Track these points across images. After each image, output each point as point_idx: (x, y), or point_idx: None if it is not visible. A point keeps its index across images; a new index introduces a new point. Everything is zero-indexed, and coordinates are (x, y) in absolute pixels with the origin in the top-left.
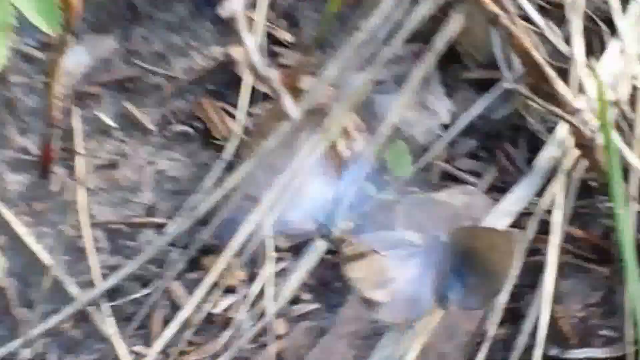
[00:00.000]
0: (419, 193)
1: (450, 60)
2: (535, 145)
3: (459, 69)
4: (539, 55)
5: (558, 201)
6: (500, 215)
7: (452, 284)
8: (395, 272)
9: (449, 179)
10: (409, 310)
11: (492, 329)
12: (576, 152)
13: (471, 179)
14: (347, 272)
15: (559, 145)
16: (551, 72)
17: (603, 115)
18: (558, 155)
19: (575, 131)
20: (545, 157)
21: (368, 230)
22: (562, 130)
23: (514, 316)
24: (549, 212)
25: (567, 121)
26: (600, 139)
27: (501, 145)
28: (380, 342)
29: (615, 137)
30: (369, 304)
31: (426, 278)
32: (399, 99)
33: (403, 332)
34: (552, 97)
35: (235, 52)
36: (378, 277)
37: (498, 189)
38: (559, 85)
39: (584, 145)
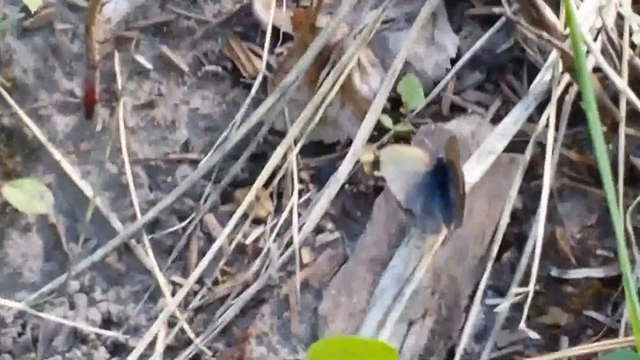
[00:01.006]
0: (431, 123)
1: None
2: (535, 75)
3: (465, 6)
4: None
5: (551, 122)
6: (498, 138)
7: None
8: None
9: (458, 109)
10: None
11: (495, 249)
12: (567, 77)
13: (478, 109)
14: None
15: (552, 70)
16: (540, 1)
17: (573, 30)
18: (551, 79)
19: (564, 56)
20: (540, 82)
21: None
22: (554, 57)
23: (519, 241)
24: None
25: (556, 46)
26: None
27: (504, 77)
28: (390, 262)
29: (603, 62)
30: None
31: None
32: (409, 35)
33: (412, 252)
34: (545, 25)
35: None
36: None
37: (502, 118)
38: (548, 13)
39: (572, 69)
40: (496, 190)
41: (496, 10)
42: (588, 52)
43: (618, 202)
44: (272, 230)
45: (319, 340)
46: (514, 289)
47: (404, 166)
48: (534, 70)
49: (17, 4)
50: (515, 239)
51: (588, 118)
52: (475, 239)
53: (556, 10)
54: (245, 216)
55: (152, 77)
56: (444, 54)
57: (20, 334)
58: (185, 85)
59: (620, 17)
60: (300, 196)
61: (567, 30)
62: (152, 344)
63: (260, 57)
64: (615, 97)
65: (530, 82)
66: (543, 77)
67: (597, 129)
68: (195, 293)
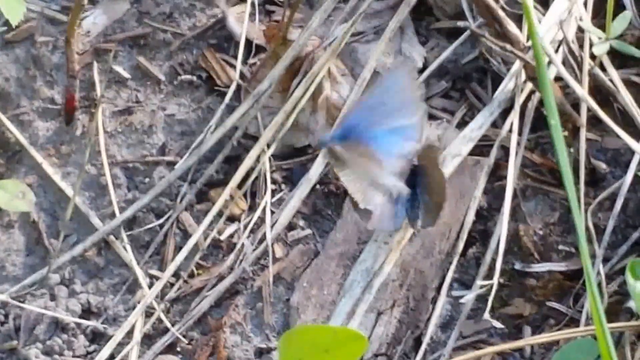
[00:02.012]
0: None
1: (423, 12)
2: (499, 84)
3: (431, 20)
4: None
5: (515, 127)
6: (464, 141)
7: (419, 204)
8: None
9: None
10: (391, 223)
11: (460, 245)
12: (530, 85)
13: (444, 115)
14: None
15: (515, 79)
16: (502, 14)
17: (535, 42)
18: (514, 87)
19: (526, 66)
20: (504, 90)
21: None
22: (517, 67)
23: (484, 237)
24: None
25: (518, 57)
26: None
27: (469, 86)
28: (360, 257)
29: (564, 72)
30: (361, 213)
31: (401, 197)
32: (378, 47)
33: (380, 247)
34: (508, 38)
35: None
36: (367, 190)
37: (468, 124)
38: (511, 26)
39: (534, 78)
40: (462, 190)
41: (461, 24)
42: (550, 62)
43: (580, 201)
44: (245, 227)
45: (291, 329)
46: (479, 282)
47: (360, 167)
48: (497, 79)
49: (0, 17)
50: (480, 235)
51: (550, 123)
52: (442, 236)
53: (518, 24)
54: (220, 214)
55: (129, 86)
56: (411, 65)
57: (2, 323)
58: (161, 93)
59: (580, 30)
60: (273, 196)
61: (529, 42)
62: (129, 333)
63: (234, 67)
64: (575, 104)
65: (494, 90)
66: (507, 86)
67: (558, 133)
68: (172, 285)
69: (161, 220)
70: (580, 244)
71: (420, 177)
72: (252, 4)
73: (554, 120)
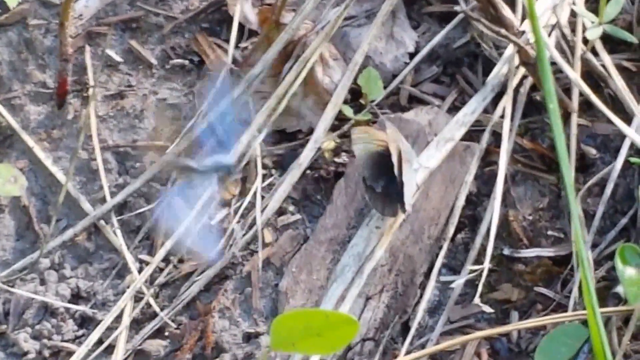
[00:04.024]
0: (390, 113)
1: None
2: (490, 69)
3: (423, 4)
4: None
5: (507, 112)
6: (456, 126)
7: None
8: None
9: (416, 101)
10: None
11: (450, 230)
12: (522, 70)
13: (435, 100)
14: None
15: (508, 64)
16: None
17: (535, 24)
18: (507, 72)
19: (520, 50)
20: (496, 75)
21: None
22: (510, 51)
23: (473, 222)
24: (501, 126)
25: (513, 41)
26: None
27: (460, 71)
28: (352, 241)
29: (557, 56)
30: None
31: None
32: (370, 31)
33: (372, 232)
34: (502, 23)
35: None
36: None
37: (458, 109)
38: (505, 10)
39: (528, 63)
40: (452, 175)
41: (457, 8)
42: None
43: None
44: (236, 212)
45: (283, 313)
46: (469, 266)
47: (371, 146)
48: (488, 65)
49: None
50: (470, 221)
51: (548, 106)
52: (431, 221)
53: (512, 8)
54: (210, 199)
55: (121, 70)
56: (403, 49)
57: None
58: (153, 77)
59: (573, 15)
60: (263, 181)
61: (523, 27)
62: (118, 317)
63: (226, 51)
64: (566, 90)
65: (485, 75)
66: (499, 71)
67: (556, 116)
68: (161, 270)
69: (152, 205)
70: (574, 228)
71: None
72: None
73: (553, 104)
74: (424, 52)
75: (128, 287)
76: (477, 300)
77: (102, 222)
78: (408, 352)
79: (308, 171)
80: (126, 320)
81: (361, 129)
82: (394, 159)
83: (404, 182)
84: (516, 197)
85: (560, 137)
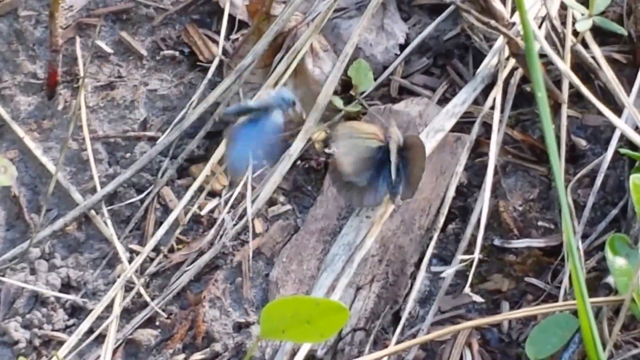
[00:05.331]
0: (380, 105)
1: None
2: (480, 61)
3: None
4: None
5: (497, 104)
6: (447, 117)
7: (400, 179)
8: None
9: (406, 92)
10: (373, 197)
11: (440, 221)
12: (513, 62)
13: (425, 92)
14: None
15: (498, 55)
16: None
17: (523, 16)
18: (497, 64)
19: (510, 42)
20: (487, 66)
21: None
22: (500, 43)
23: (464, 213)
24: (492, 117)
25: (503, 33)
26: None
27: (451, 62)
28: (342, 231)
29: (547, 48)
30: (347, 186)
31: (382, 172)
32: (360, 23)
33: (362, 221)
34: (492, 14)
35: None
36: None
37: (448, 100)
38: (495, 2)
39: (518, 54)
40: (443, 166)
41: (447, 0)
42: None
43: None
44: (226, 202)
45: (273, 300)
46: (459, 257)
47: (356, 141)
48: (479, 56)
49: None
50: (460, 211)
51: (536, 96)
52: (421, 211)
53: (502, 0)
54: (200, 189)
55: (112, 61)
56: (393, 41)
57: None
58: (143, 68)
59: (563, 7)
60: (253, 171)
61: (513, 18)
62: (109, 307)
63: (216, 43)
64: (556, 81)
65: (475, 67)
66: (490, 62)
67: (545, 106)
68: (152, 260)
69: (142, 195)
70: (564, 219)
71: (403, 151)
72: None
73: (541, 93)
74: (414, 43)
75: (118, 276)
76: (467, 290)
77: (92, 212)
78: (399, 342)
79: (298, 162)
80: (117, 310)
81: (345, 125)
82: (393, 147)
83: (409, 168)
84: (507, 188)
85: (549, 127)
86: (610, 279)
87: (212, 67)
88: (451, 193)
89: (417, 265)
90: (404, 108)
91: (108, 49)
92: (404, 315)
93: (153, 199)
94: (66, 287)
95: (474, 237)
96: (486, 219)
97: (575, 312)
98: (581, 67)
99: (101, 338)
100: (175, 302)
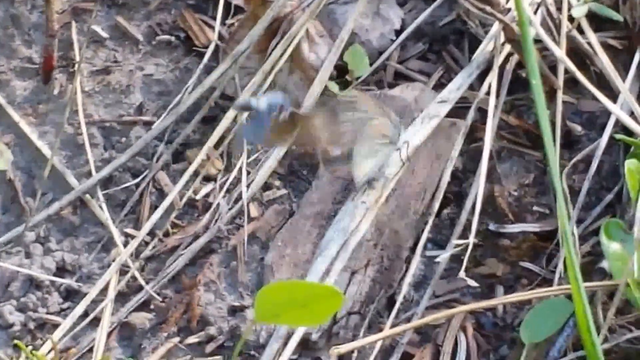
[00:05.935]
0: (375, 90)
1: None
2: (476, 47)
3: None
4: None
5: (492, 89)
6: (442, 103)
7: None
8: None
9: (401, 78)
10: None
11: (435, 205)
12: (508, 48)
13: (421, 77)
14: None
15: (493, 41)
16: None
17: (518, 2)
18: (492, 49)
19: (505, 28)
20: (482, 52)
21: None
22: (496, 29)
23: (459, 198)
24: (487, 103)
25: (498, 19)
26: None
27: (446, 48)
28: (337, 216)
29: (543, 34)
30: (329, 159)
31: None
32: (356, 9)
33: (357, 206)
34: (488, 0)
35: None
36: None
37: (444, 86)
38: None
39: (513, 40)
40: (438, 151)
41: None
42: (529, 24)
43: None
44: (221, 187)
45: (268, 284)
46: (454, 241)
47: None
48: (474, 42)
49: None
50: (455, 196)
51: (531, 82)
52: (417, 196)
53: None
54: (196, 174)
55: (107, 46)
56: (389, 26)
57: None
58: (139, 53)
59: None
60: (249, 156)
61: (509, 4)
62: (104, 290)
63: (212, 28)
64: (552, 67)
65: (471, 52)
66: (485, 48)
67: (539, 92)
68: (147, 244)
69: (137, 180)
70: (559, 204)
71: None
72: None
73: (536, 80)
74: (410, 29)
75: (113, 260)
76: (462, 274)
77: (87, 196)
78: (393, 326)
79: (294, 146)
80: (111, 294)
81: (353, 94)
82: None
83: (355, 154)
84: (502, 173)
85: (543, 113)
86: (605, 264)
87: (208, 52)
88: (446, 178)
89: (412, 249)
90: (399, 93)
91: (104, 34)
92: (399, 299)
93: (148, 183)
94: (61, 270)
95: (469, 222)
96: (481, 203)
97: (569, 297)
98: (577, 53)
99: (96, 321)
100: (170, 286)
